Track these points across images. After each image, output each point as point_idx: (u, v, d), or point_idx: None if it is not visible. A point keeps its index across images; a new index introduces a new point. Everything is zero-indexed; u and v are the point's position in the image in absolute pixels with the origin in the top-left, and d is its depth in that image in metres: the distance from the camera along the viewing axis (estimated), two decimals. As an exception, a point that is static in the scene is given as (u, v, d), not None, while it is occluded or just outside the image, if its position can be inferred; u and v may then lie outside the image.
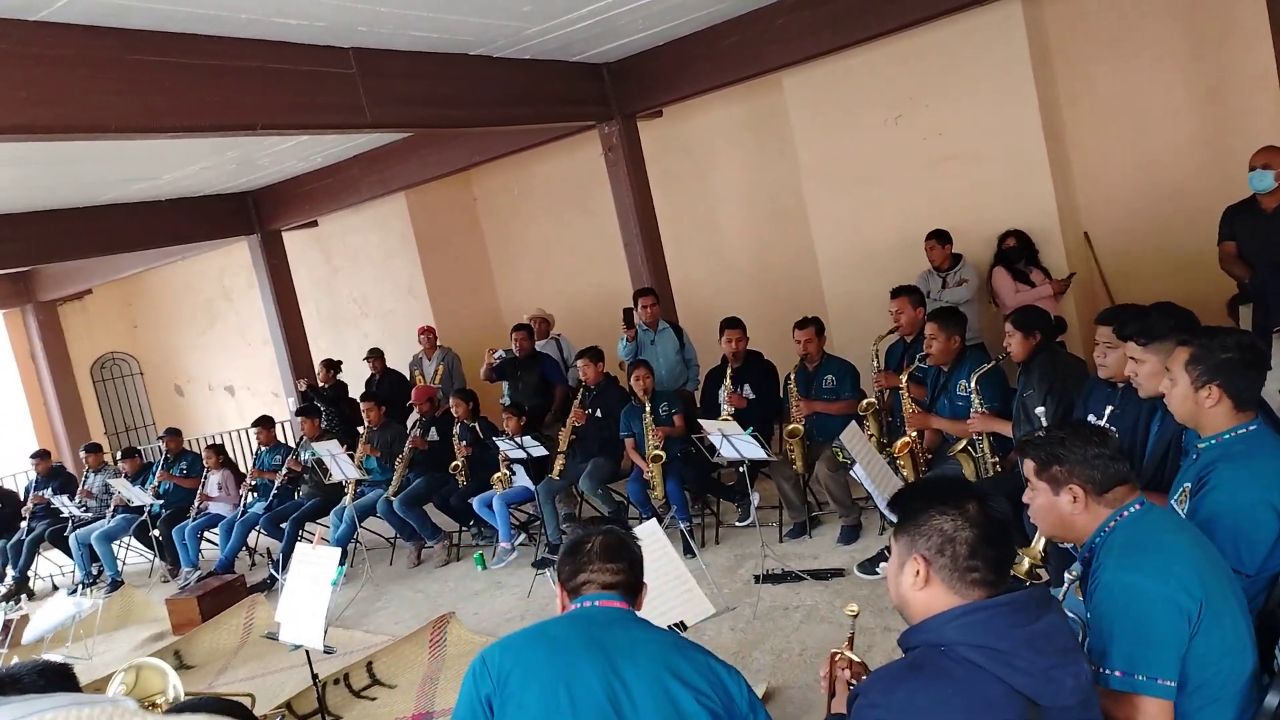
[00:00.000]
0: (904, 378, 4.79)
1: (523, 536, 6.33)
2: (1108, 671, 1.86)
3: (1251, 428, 2.35)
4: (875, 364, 5.27)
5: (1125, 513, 2.02)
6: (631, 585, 2.06)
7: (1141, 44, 6.50)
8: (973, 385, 4.28)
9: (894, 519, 1.82)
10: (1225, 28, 6.23)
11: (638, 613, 2.07)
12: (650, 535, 2.91)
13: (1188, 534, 2.03)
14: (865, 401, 5.25)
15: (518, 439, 5.99)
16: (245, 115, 4.52)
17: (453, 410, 6.86)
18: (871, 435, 4.96)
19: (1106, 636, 1.88)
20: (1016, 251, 6.27)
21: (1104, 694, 1.87)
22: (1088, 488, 2.04)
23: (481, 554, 6.35)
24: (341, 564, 6.64)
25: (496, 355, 7.48)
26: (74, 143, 5.68)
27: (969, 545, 1.66)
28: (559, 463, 6.15)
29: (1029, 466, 2.15)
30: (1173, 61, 6.44)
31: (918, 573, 1.67)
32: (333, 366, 8.88)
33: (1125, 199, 6.74)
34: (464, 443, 6.68)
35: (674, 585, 2.79)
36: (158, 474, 7.93)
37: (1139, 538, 1.96)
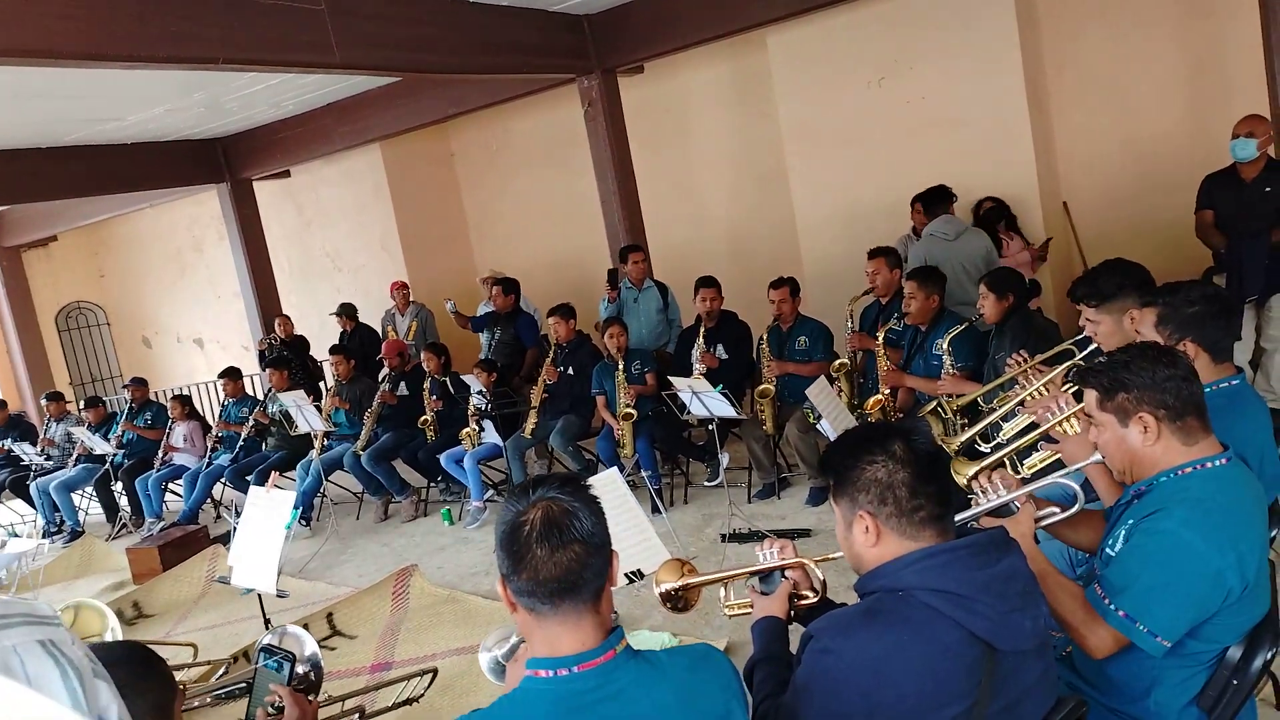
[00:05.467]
0: (880, 337, 4.75)
1: (490, 492, 6.27)
2: (1112, 606, 1.80)
3: (1235, 382, 2.28)
4: (849, 324, 5.23)
5: (1209, 464, 1.85)
6: (595, 577, 1.46)
7: (1128, 15, 6.44)
8: (945, 345, 4.24)
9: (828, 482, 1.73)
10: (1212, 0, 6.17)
11: (614, 586, 1.55)
12: (610, 483, 2.86)
13: (1263, 507, 1.89)
14: (837, 363, 5.21)
15: (486, 391, 5.92)
16: (207, 48, 4.36)
17: (424, 365, 6.77)
18: (842, 392, 4.93)
19: (1131, 577, 1.79)
20: (995, 213, 6.22)
21: (1087, 610, 1.84)
22: (1160, 414, 1.85)
23: (449, 509, 6.30)
24: (306, 516, 6.66)
25: (449, 305, 7.50)
26: (31, 77, 5.48)
27: (908, 486, 1.59)
28: (531, 420, 6.09)
29: (1091, 398, 1.95)
30: (1159, 33, 6.38)
31: (867, 529, 1.62)
32: (289, 321, 8.78)
33: (1106, 169, 6.71)
34: (434, 397, 6.60)
35: (632, 534, 2.75)
36: (121, 424, 7.79)
37: (1217, 497, 1.80)
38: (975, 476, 2.22)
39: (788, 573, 1.97)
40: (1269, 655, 1.80)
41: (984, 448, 3.16)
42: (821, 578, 1.97)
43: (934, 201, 5.77)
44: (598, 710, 1.41)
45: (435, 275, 9.81)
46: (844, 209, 7.30)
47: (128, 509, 7.67)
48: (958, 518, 1.91)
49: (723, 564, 4.59)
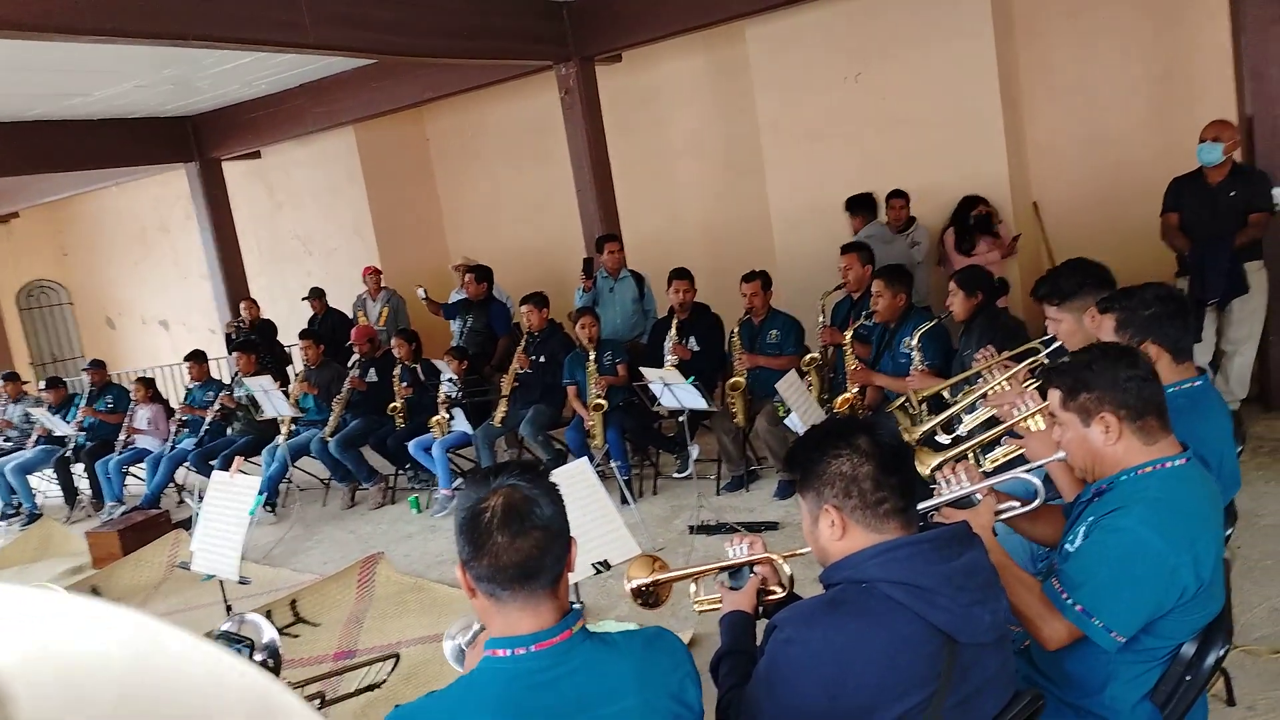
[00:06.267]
0: (848, 335, 4.78)
1: (459, 481, 6.24)
2: (1069, 600, 1.82)
3: (1197, 383, 2.31)
4: (821, 319, 5.26)
5: (1168, 464, 1.88)
6: (554, 564, 1.47)
7: (1101, 18, 6.51)
8: (914, 342, 4.28)
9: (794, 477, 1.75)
10: (1182, 4, 6.26)
11: (571, 574, 1.56)
12: (579, 473, 2.85)
13: (1219, 507, 1.92)
14: (808, 357, 5.24)
15: (457, 379, 5.89)
16: (178, 23, 4.27)
17: (395, 351, 6.71)
18: (812, 389, 4.95)
19: (1089, 572, 1.82)
20: (984, 221, 6.31)
21: (1043, 603, 1.86)
22: (1121, 414, 1.87)
23: (416, 497, 6.26)
24: (272, 502, 6.59)
25: (420, 291, 7.54)
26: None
27: (872, 479, 1.61)
28: (500, 408, 6.06)
29: (1054, 397, 1.97)
30: (1130, 36, 6.47)
31: (833, 523, 1.63)
32: (256, 305, 8.68)
33: (1076, 170, 6.79)
34: (404, 384, 6.54)
35: (600, 524, 2.74)
36: (81, 409, 7.61)
37: (1175, 497, 1.83)
38: (939, 467, 2.25)
39: (756, 568, 1.98)
40: (1221, 653, 1.84)
41: (944, 439, 3.21)
42: (789, 573, 1.98)
43: (863, 207, 6.39)
44: (555, 688, 1.43)
45: (408, 261, 9.72)
46: (819, 203, 7.32)
47: (88, 492, 7.54)
48: (920, 506, 1.93)
49: (691, 555, 4.61)
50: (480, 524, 1.45)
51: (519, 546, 1.44)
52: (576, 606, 1.70)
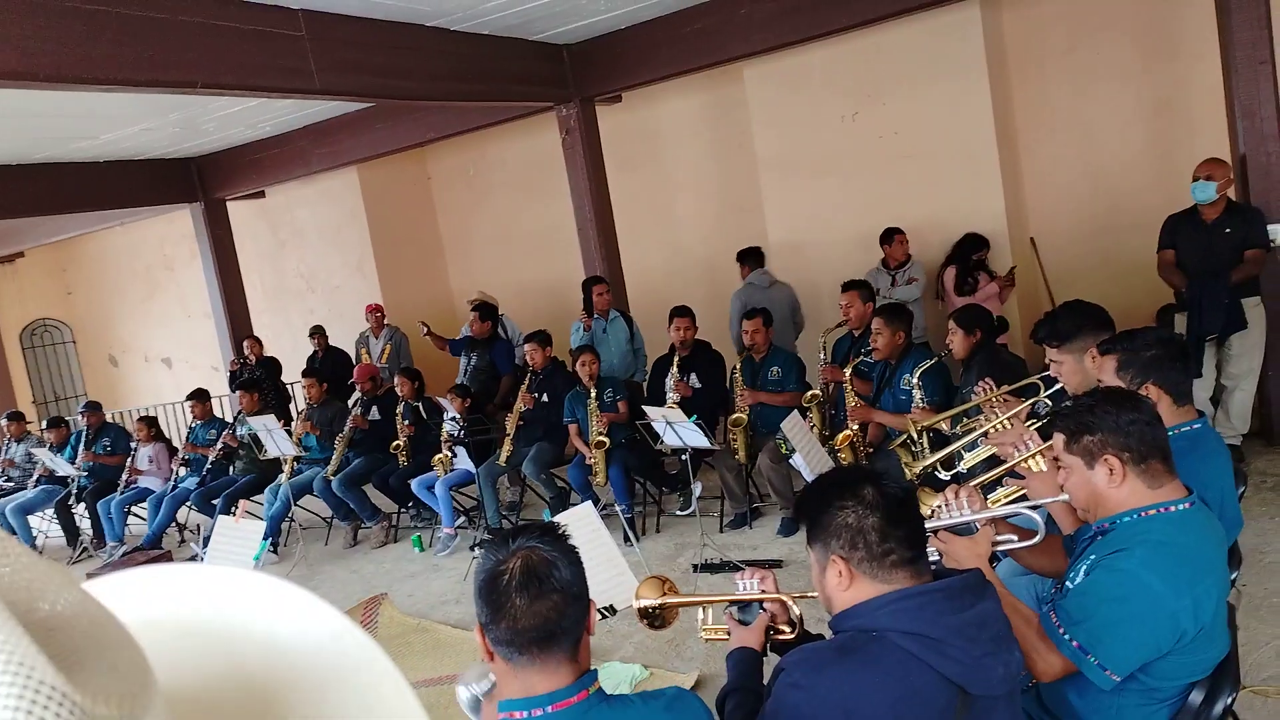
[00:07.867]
0: (848, 371, 4.81)
1: (462, 519, 6.23)
2: (1066, 636, 1.83)
3: (1196, 425, 2.35)
4: (822, 356, 5.29)
5: (1173, 507, 1.89)
6: (573, 626, 1.48)
7: (1094, 55, 6.62)
8: (915, 380, 4.31)
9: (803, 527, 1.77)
10: (1175, 43, 6.36)
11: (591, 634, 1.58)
12: (584, 517, 2.86)
13: (1223, 551, 1.93)
14: (809, 394, 5.26)
15: (460, 417, 5.91)
16: (186, 72, 4.35)
17: (398, 389, 6.73)
18: (814, 427, 4.97)
19: (1088, 611, 1.83)
20: (981, 262, 6.39)
21: (1040, 636, 1.87)
22: (1124, 457, 1.89)
23: (419, 536, 6.25)
24: (274, 542, 6.57)
25: (422, 329, 7.67)
26: (4, 96, 5.43)
27: (878, 531, 1.62)
28: (505, 447, 6.06)
29: (1058, 441, 1.99)
30: (1124, 73, 6.57)
31: (840, 573, 1.64)
32: (259, 343, 8.72)
33: (1072, 206, 6.86)
34: (407, 422, 6.56)
35: (605, 568, 2.75)
36: (80, 454, 7.57)
37: (1178, 541, 1.84)
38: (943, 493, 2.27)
39: (766, 605, 1.99)
40: (1229, 700, 1.85)
41: (944, 475, 3.22)
42: (799, 614, 1.99)
43: (751, 257, 7.01)
44: None
45: (410, 298, 9.77)
46: (817, 240, 7.40)
47: (89, 532, 7.51)
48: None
49: (695, 594, 4.59)
50: (499, 586, 1.46)
51: (537, 610, 1.44)
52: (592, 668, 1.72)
